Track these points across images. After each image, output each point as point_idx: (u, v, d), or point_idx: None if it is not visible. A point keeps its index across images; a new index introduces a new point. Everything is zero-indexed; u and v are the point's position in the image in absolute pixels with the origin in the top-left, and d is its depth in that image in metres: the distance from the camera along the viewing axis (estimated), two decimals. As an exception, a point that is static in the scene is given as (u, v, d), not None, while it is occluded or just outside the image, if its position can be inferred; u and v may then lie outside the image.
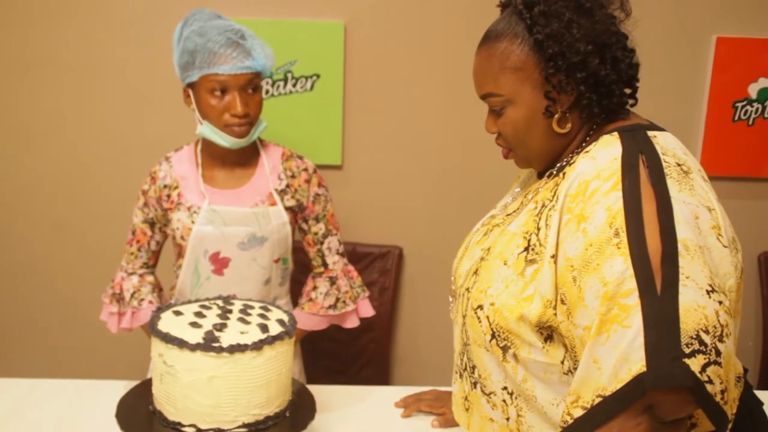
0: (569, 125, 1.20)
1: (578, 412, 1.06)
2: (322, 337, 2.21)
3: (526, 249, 1.17)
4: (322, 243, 1.95)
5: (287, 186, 1.88)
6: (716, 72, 2.53)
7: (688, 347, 0.98)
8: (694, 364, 0.97)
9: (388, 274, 2.62)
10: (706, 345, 0.98)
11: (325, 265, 1.96)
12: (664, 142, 1.14)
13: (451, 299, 1.40)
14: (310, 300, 1.93)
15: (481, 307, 1.21)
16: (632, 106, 1.23)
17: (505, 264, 1.20)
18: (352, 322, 1.98)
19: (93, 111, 2.54)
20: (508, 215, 1.31)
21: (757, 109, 2.57)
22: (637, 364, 0.99)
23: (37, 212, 2.62)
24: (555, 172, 1.23)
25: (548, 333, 1.15)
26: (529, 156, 1.27)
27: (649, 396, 1.00)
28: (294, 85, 2.50)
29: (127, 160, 2.55)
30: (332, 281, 1.94)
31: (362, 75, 2.52)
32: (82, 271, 2.65)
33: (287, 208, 1.87)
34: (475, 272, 1.26)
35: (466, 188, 2.63)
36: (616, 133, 1.16)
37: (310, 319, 1.92)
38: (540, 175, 1.31)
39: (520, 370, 1.19)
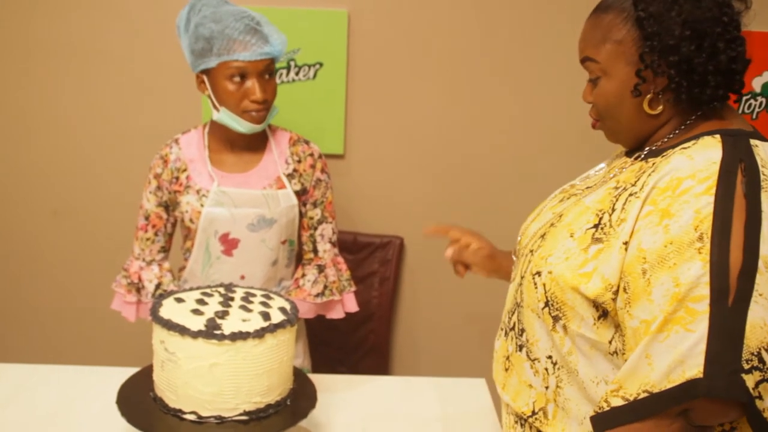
0: (660, 108, 1.18)
1: (617, 402, 1.06)
2: (322, 326, 2.21)
3: (596, 226, 1.16)
4: (315, 229, 1.95)
5: (294, 171, 1.89)
6: (720, 65, 2.52)
7: (748, 363, 0.98)
8: (750, 380, 0.98)
9: (388, 264, 2.62)
10: (764, 363, 0.98)
11: (315, 251, 1.96)
12: (764, 153, 1.12)
13: (514, 258, 1.40)
14: (298, 287, 1.93)
15: (539, 273, 1.21)
16: (735, 102, 1.21)
17: (571, 236, 1.19)
18: (336, 313, 1.97)
19: (91, 99, 2.53)
20: (587, 187, 1.30)
21: (761, 102, 2.56)
22: (693, 369, 0.99)
23: (36, 199, 2.61)
24: (643, 156, 1.22)
25: (604, 310, 1.15)
26: (617, 130, 1.26)
27: (694, 401, 1.00)
28: (297, 74, 2.50)
29: (126, 148, 2.54)
30: (320, 269, 1.94)
31: (365, 64, 2.51)
32: (81, 258, 2.64)
33: (294, 192, 1.88)
34: (542, 236, 1.26)
35: (468, 179, 2.62)
36: (718, 136, 1.13)
37: (298, 305, 1.91)
38: (629, 154, 1.29)
39: (567, 342, 1.19)
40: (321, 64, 2.49)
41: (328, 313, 1.97)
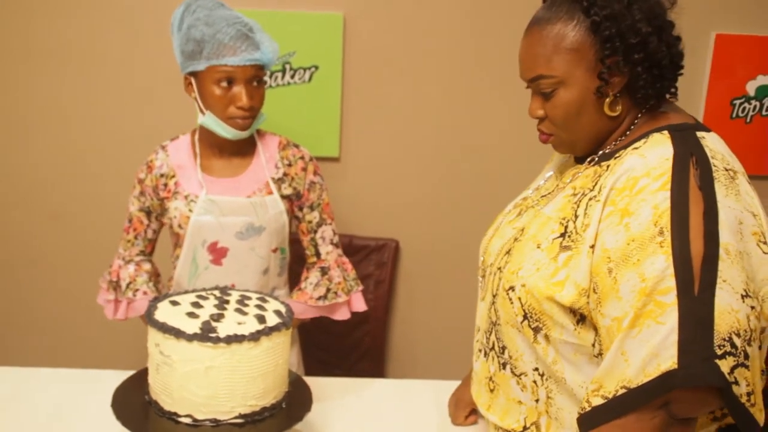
0: (620, 108, 1.20)
1: (598, 401, 1.08)
2: (317, 329, 2.21)
3: (562, 235, 1.18)
4: (315, 232, 1.94)
5: (284, 174, 1.89)
6: (715, 69, 2.53)
7: (720, 349, 0.99)
8: (724, 365, 0.99)
9: (384, 267, 2.62)
10: (736, 348, 1.00)
11: (318, 254, 1.96)
12: (712, 144, 1.14)
13: (480, 279, 1.40)
14: (300, 290, 1.93)
15: (513, 288, 1.22)
16: (672, 95, 1.23)
17: (538, 247, 1.20)
18: (342, 315, 1.95)
19: (89, 102, 2.53)
20: (542, 197, 1.31)
21: (755, 106, 2.57)
22: (667, 361, 1.01)
23: (34, 203, 2.61)
24: (597, 160, 1.23)
25: (581, 315, 1.16)
26: (574, 140, 1.25)
27: (673, 393, 1.01)
28: (292, 77, 2.50)
29: (124, 151, 2.54)
30: (324, 272, 1.93)
31: (361, 67, 2.52)
32: (79, 261, 2.64)
33: (284, 197, 1.88)
34: (508, 252, 1.27)
35: (463, 182, 2.63)
36: (666, 132, 1.15)
37: (295, 306, 1.90)
38: (579, 160, 1.30)
39: (551, 352, 1.20)
40: (316, 67, 2.49)
41: (333, 315, 1.97)
